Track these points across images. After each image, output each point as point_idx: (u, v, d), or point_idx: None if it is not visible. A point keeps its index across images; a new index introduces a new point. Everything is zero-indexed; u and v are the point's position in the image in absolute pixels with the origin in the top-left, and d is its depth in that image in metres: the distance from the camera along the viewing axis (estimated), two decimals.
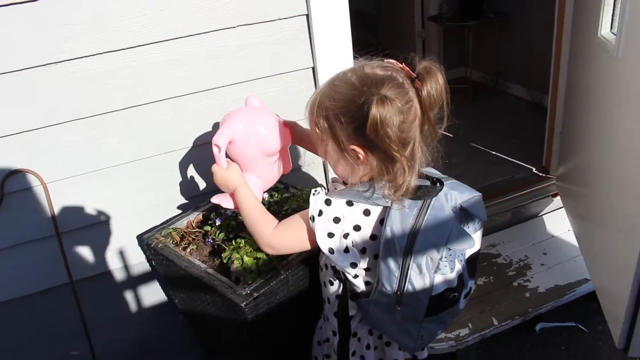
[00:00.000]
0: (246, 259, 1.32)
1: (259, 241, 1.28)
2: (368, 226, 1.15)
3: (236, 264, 1.32)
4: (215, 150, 1.31)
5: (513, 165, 2.97)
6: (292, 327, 1.48)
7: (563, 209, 2.58)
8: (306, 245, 1.23)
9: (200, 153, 1.76)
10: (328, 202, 1.15)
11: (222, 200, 1.41)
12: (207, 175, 1.80)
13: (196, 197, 1.81)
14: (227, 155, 1.35)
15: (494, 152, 3.20)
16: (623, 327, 1.72)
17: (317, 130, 1.15)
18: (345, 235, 1.15)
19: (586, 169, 2.17)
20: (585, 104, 2.17)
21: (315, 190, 1.19)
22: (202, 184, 1.81)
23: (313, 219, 1.15)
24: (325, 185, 1.90)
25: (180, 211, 1.79)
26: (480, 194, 1.22)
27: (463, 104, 3.98)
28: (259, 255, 1.33)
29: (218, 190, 1.40)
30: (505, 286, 2.22)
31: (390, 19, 4.89)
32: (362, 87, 1.06)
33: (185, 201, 1.81)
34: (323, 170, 1.92)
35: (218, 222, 1.52)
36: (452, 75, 4.20)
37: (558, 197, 2.63)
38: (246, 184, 1.34)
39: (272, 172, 1.45)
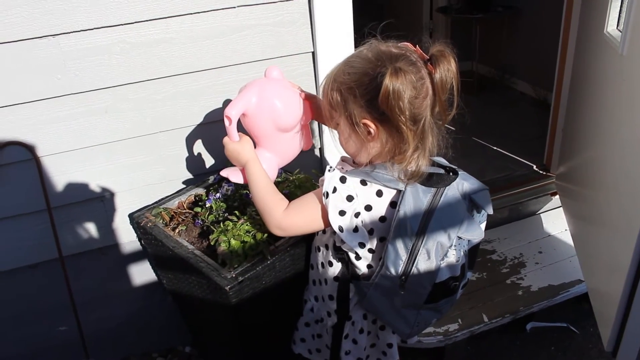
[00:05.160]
0: (233, 242, 1.30)
1: (268, 222, 1.23)
2: (379, 207, 1.15)
3: (223, 247, 1.31)
4: (226, 122, 1.26)
5: (513, 162, 2.94)
6: (276, 312, 1.47)
7: (561, 208, 2.55)
8: (319, 225, 1.21)
9: (199, 133, 1.74)
10: (343, 180, 1.14)
11: (231, 174, 1.34)
12: (205, 155, 1.79)
13: (192, 178, 1.80)
14: (241, 129, 1.31)
15: (495, 148, 3.18)
16: (613, 329, 1.71)
17: (330, 106, 1.15)
18: (356, 215, 1.15)
19: (586, 168, 2.14)
20: (589, 102, 2.14)
21: (331, 167, 1.18)
22: (199, 164, 1.79)
23: (327, 195, 1.15)
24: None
25: (174, 190, 1.78)
26: (487, 187, 1.24)
27: (467, 97, 3.92)
28: (246, 238, 1.31)
29: (221, 168, 1.38)
30: (498, 283, 2.20)
31: (397, 8, 4.84)
32: (377, 62, 1.07)
33: (181, 181, 1.80)
34: (319, 155, 1.91)
35: (208, 204, 1.50)
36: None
37: (557, 196, 2.61)
38: (258, 160, 1.29)
39: (289, 148, 1.38)
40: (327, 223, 1.17)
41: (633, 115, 1.60)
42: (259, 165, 1.29)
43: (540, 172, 2.77)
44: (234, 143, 1.30)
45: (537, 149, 2.89)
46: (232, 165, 1.36)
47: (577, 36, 2.35)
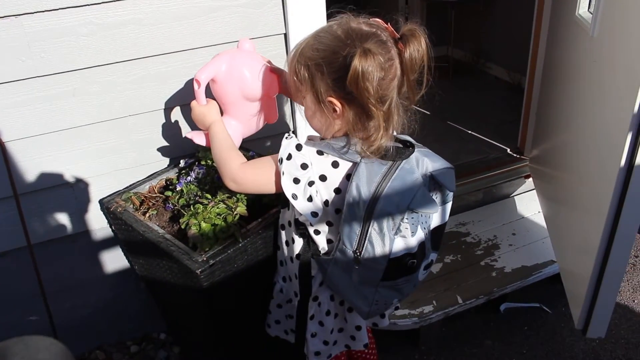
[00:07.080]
0: (203, 224, 1.29)
1: (223, 175, 1.26)
2: (334, 178, 1.15)
3: (193, 230, 1.29)
4: (195, 85, 1.31)
5: (487, 145, 2.96)
6: (249, 295, 1.47)
7: (534, 190, 2.58)
8: (270, 187, 1.22)
9: (170, 116, 1.72)
10: (299, 147, 1.14)
11: (195, 136, 1.40)
12: (177, 139, 1.76)
13: (163, 162, 1.77)
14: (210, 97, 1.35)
15: (469, 131, 3.19)
16: (583, 308, 1.74)
17: (296, 80, 1.14)
18: (310, 183, 1.14)
19: (559, 150, 2.17)
20: (561, 85, 2.16)
21: (289, 135, 1.17)
22: (170, 148, 1.77)
23: (281, 161, 1.15)
24: None
25: (145, 175, 1.75)
26: (453, 166, 1.23)
27: (442, 82, 3.95)
28: (217, 221, 1.30)
29: (192, 152, 1.38)
30: (472, 265, 2.22)
31: None
32: (346, 40, 1.06)
33: (152, 165, 1.76)
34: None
35: (179, 188, 1.49)
36: (433, 53, 4.17)
37: (530, 179, 2.64)
38: (222, 122, 1.33)
39: (254, 118, 1.43)
40: (278, 187, 1.17)
41: (602, 97, 1.62)
42: (223, 126, 1.32)
43: (514, 155, 2.79)
44: (201, 106, 1.34)
45: (511, 133, 2.91)
46: (198, 129, 1.39)
47: (550, 19, 2.37)
